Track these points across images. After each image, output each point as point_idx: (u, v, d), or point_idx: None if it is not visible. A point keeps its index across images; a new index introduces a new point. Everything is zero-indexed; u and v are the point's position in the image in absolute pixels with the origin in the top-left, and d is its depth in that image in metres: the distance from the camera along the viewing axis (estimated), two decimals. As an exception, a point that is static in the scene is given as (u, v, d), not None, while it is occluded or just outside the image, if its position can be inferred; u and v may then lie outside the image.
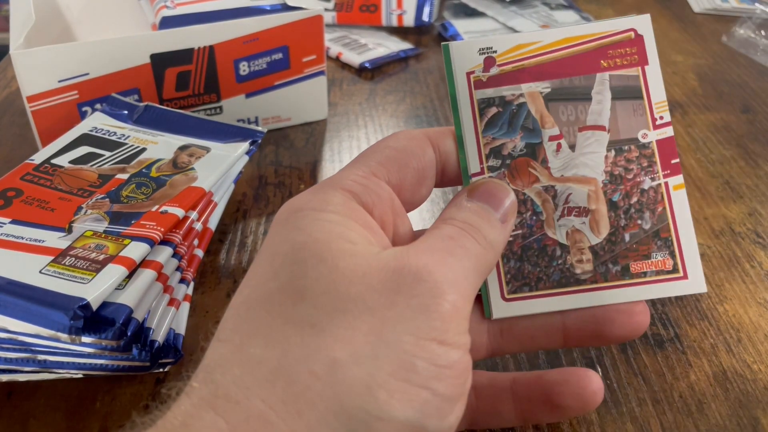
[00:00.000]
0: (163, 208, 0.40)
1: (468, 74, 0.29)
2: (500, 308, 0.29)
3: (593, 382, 0.29)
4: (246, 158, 0.48)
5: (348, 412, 0.21)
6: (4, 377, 0.34)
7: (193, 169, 0.44)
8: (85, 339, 0.33)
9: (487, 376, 0.32)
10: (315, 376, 0.21)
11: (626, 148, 0.29)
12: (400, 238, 0.27)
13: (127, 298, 0.34)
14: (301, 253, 0.23)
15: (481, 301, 0.30)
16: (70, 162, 0.44)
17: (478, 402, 0.31)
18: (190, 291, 0.40)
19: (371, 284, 0.23)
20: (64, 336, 0.32)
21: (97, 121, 0.49)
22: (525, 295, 0.29)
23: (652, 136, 0.29)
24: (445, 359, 0.22)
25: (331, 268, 0.23)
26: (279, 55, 0.56)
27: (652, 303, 0.41)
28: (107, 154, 0.45)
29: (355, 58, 0.71)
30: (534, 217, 0.29)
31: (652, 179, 0.29)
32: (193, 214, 0.41)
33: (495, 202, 0.27)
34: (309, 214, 0.25)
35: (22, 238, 0.37)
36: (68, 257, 0.35)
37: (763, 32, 0.76)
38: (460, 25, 0.78)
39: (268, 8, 0.56)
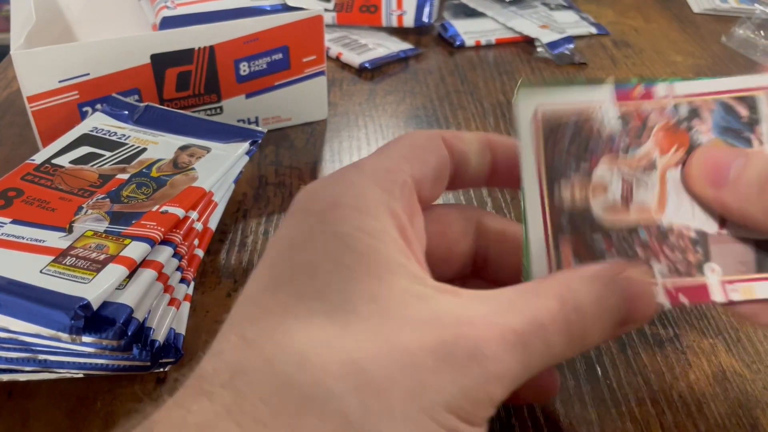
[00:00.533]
0: (164, 208, 0.40)
1: None
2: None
3: (554, 376, 0.31)
4: (246, 158, 0.48)
5: None
6: (5, 377, 0.34)
7: (193, 169, 0.44)
8: (86, 339, 0.33)
9: None
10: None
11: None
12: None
13: (128, 297, 0.34)
14: (351, 284, 0.22)
15: None
16: (70, 162, 0.44)
17: None
18: (190, 291, 0.40)
19: (425, 343, 0.21)
20: (64, 336, 0.32)
21: (97, 122, 0.49)
22: None
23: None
24: None
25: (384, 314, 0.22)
26: (279, 56, 0.56)
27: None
28: (108, 154, 0.45)
29: (355, 59, 0.71)
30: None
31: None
32: (194, 214, 0.41)
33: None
34: (350, 217, 0.23)
35: (23, 238, 0.37)
36: (69, 257, 0.35)
37: (762, 32, 0.76)
38: (460, 25, 0.78)
39: (268, 8, 0.56)
